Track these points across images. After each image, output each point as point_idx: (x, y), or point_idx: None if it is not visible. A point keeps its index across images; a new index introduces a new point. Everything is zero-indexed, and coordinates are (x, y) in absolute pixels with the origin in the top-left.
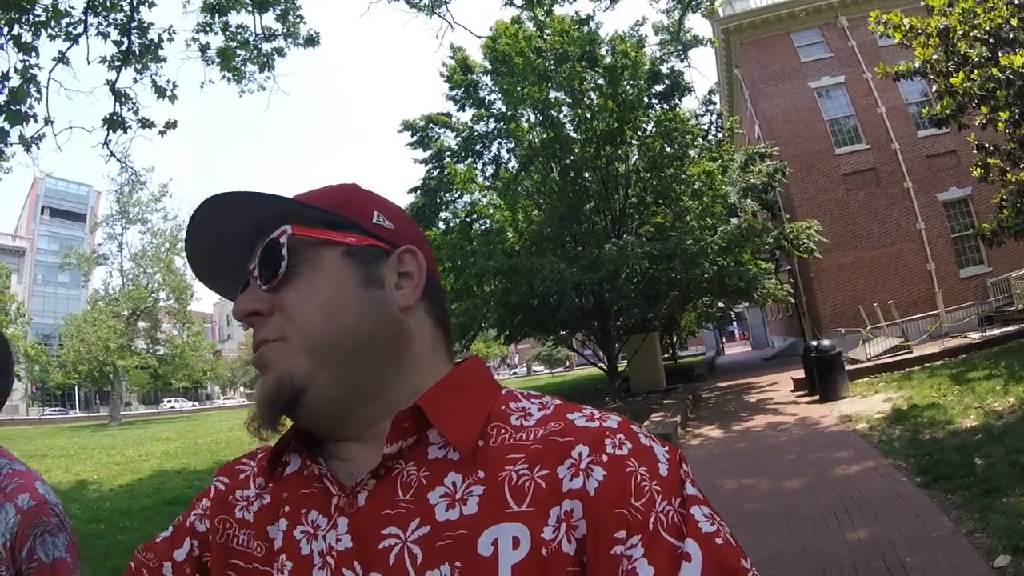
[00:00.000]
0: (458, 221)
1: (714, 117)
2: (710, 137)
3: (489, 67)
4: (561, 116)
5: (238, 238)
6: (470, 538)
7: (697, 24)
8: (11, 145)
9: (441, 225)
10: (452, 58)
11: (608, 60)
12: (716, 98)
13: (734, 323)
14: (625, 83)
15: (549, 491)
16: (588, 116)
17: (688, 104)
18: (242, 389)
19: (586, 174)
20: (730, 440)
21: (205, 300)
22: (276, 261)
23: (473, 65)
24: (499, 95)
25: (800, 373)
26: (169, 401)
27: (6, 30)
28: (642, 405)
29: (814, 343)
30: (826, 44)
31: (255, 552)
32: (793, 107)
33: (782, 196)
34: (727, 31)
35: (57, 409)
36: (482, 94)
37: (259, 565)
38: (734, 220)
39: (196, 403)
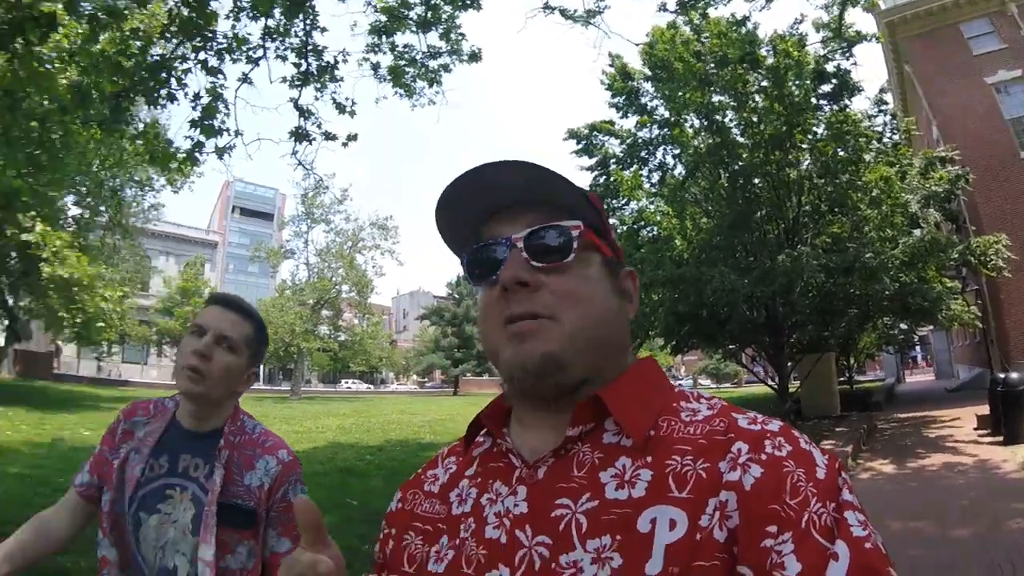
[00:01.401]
0: (625, 228)
1: (888, 118)
2: (885, 140)
3: (649, 73)
4: (726, 120)
5: (504, 199)
6: (632, 516)
7: (860, 19)
8: (207, 154)
9: None
10: (611, 66)
11: (770, 61)
12: (888, 97)
13: (917, 347)
14: (790, 84)
15: (709, 482)
16: (754, 120)
17: (859, 104)
18: (415, 377)
19: (755, 180)
20: (902, 478)
21: (384, 294)
22: (560, 250)
23: (632, 72)
24: (661, 101)
25: (986, 409)
26: (346, 382)
27: (193, 56)
28: (812, 431)
29: (1001, 375)
30: (997, 34)
31: (437, 515)
32: (969, 105)
33: (966, 205)
34: (891, 24)
35: None
36: (643, 100)
37: (441, 525)
38: (916, 232)
39: (371, 386)
